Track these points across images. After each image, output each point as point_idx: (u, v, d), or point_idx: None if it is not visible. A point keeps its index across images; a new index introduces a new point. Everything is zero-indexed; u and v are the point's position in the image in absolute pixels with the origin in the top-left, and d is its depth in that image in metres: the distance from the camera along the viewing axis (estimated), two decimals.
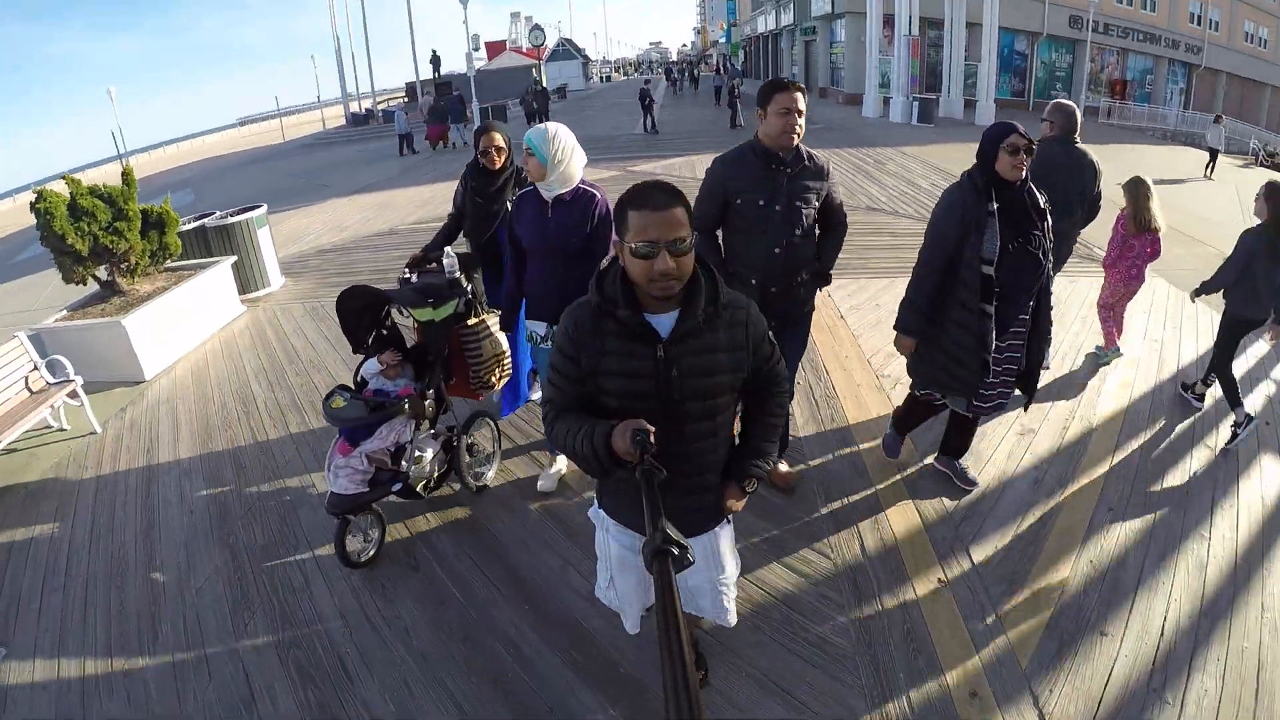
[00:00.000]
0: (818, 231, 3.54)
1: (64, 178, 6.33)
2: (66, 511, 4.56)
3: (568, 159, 3.47)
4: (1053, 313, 3.54)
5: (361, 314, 3.87)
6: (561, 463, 4.35)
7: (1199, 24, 32.76)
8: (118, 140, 25.86)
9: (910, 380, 3.86)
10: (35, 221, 6.24)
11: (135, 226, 6.42)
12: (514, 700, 2.89)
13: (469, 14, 31.21)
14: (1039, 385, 3.68)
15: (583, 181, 3.61)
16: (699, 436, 1.99)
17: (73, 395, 5.54)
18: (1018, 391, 3.64)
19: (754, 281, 3.42)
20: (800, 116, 3.22)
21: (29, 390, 5.42)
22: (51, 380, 5.55)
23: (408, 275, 4.22)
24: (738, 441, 2.22)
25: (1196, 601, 3.20)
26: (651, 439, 1.66)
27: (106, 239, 6.22)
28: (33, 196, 6.27)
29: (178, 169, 30.36)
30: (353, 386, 3.86)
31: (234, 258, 7.88)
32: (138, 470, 4.97)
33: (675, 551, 1.29)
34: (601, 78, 77.57)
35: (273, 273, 8.69)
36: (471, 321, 4.13)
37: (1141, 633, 3.04)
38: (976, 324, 3.27)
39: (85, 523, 4.42)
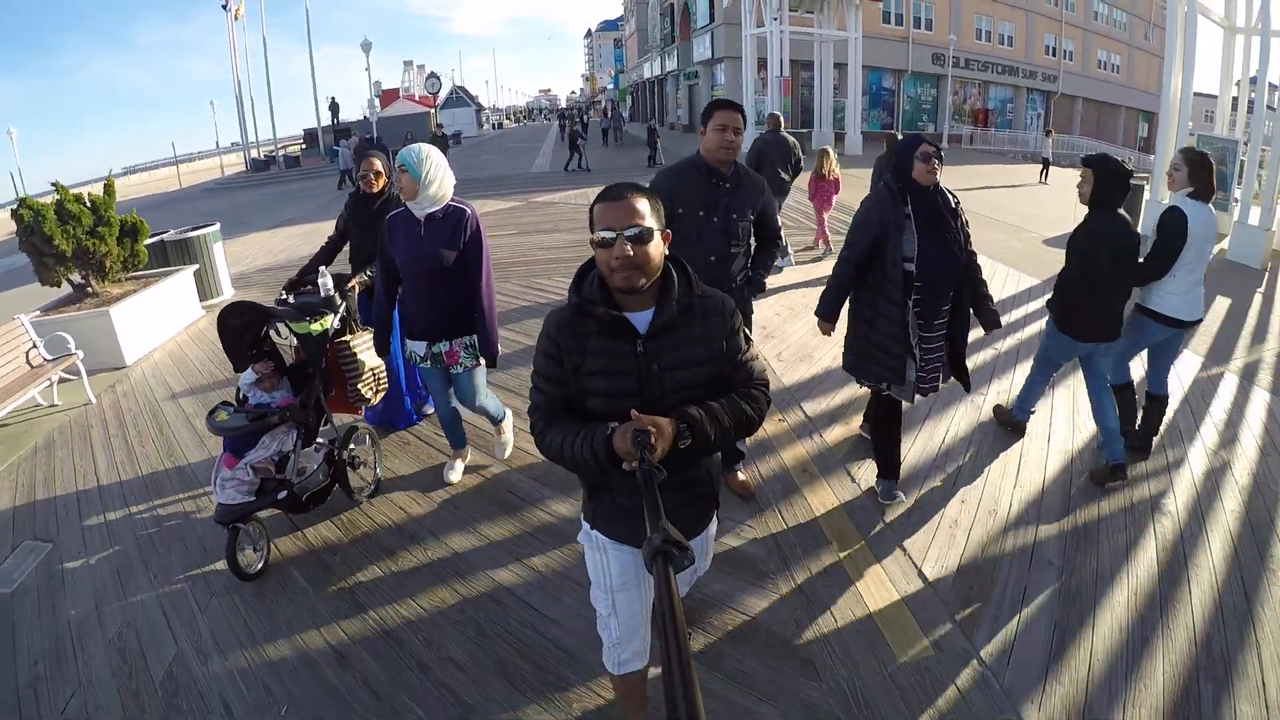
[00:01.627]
0: (753, 243, 3.88)
1: (54, 184, 7.14)
2: (84, 450, 5.43)
3: (439, 177, 3.72)
4: (982, 286, 3.74)
5: (243, 332, 3.99)
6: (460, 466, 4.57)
7: (1054, 55, 37.00)
8: (16, 182, 25.46)
9: (849, 369, 4.02)
10: (16, 228, 7.04)
11: (114, 232, 7.28)
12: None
13: (362, 61, 32.14)
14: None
15: (453, 199, 3.84)
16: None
17: (70, 369, 6.36)
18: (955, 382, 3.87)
19: None
20: (738, 135, 3.53)
21: (29, 365, 6.20)
22: (49, 357, 6.34)
23: (285, 297, 4.44)
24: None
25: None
26: (652, 439, 1.67)
27: (88, 241, 7.05)
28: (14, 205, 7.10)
29: None
30: (235, 402, 4.02)
31: (196, 266, 8.75)
32: (145, 416, 5.93)
33: (676, 551, 1.29)
34: (494, 125, 78.76)
35: (225, 283, 9.58)
36: (346, 337, 4.30)
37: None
38: (900, 316, 3.51)
39: (106, 455, 5.32)
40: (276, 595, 3.60)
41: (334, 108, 41.59)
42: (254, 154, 37.78)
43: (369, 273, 4.48)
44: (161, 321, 7.98)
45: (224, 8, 34.83)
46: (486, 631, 3.24)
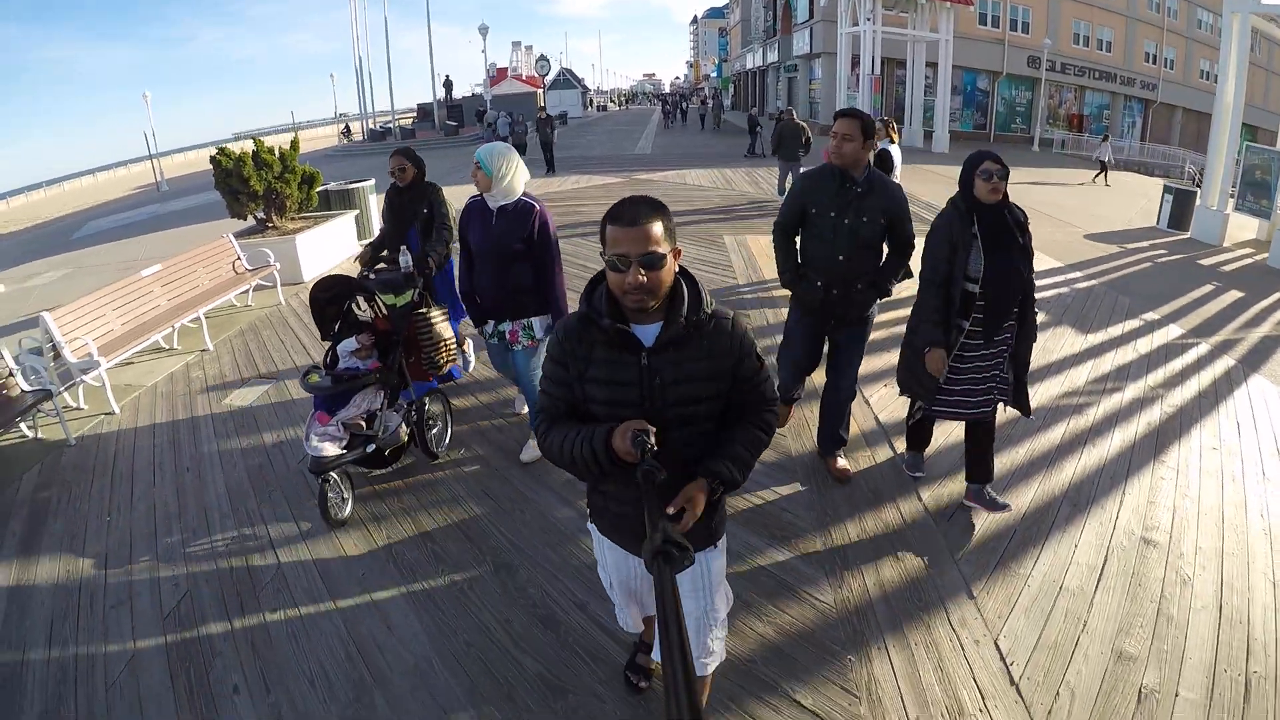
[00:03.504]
0: (885, 249, 4.01)
1: (253, 138, 9.28)
2: (284, 330, 7.45)
3: (510, 174, 4.04)
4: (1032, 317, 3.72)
5: (328, 305, 4.41)
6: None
7: (1154, 63, 35.96)
8: (149, 140, 28.44)
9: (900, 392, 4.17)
10: (214, 171, 9.16)
11: (296, 179, 9.37)
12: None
13: (476, 41, 34.25)
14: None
15: (525, 195, 4.14)
16: (682, 445, 1.97)
17: (267, 278, 8.41)
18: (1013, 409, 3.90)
19: (819, 283, 3.94)
20: (847, 141, 3.69)
21: (235, 272, 8.27)
22: (250, 267, 8.41)
23: (365, 273, 4.90)
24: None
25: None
26: (651, 440, 1.68)
27: (277, 184, 9.12)
28: (212, 152, 9.28)
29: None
30: (323, 366, 4.33)
31: (356, 211, 10.91)
32: None
33: (675, 552, 1.30)
34: (599, 107, 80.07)
35: (377, 227, 11.60)
36: (424, 310, 4.67)
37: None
38: (952, 337, 3.60)
39: (299, 333, 7.27)
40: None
41: (448, 85, 44.32)
42: (370, 124, 40.69)
43: (438, 250, 4.97)
44: (330, 252, 10.17)
45: None
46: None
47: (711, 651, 2.28)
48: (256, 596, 3.62)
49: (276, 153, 9.16)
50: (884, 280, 3.99)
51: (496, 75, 49.10)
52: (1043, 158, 27.90)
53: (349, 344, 4.37)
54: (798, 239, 4.07)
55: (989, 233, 3.43)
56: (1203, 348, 6.77)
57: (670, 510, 1.80)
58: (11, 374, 5.33)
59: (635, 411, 1.89)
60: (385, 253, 5.33)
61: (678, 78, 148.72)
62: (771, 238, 4.15)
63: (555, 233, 4.20)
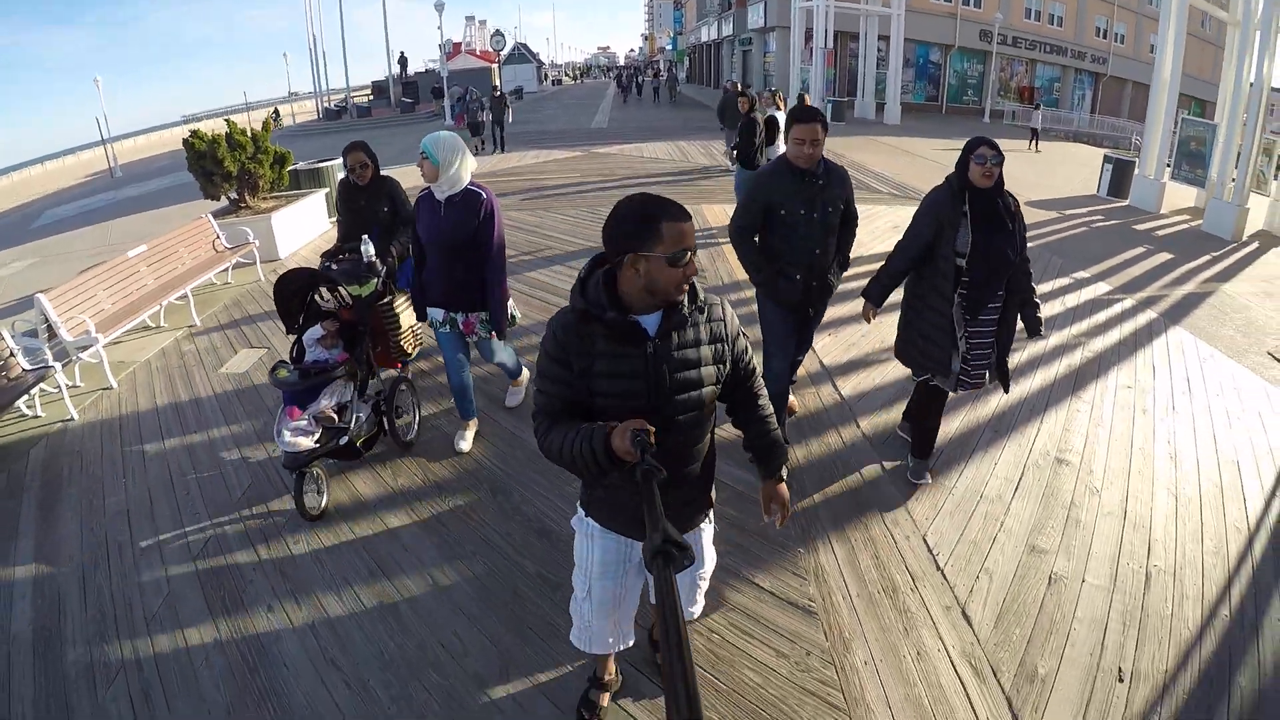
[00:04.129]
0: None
1: (228, 120, 9.49)
2: (267, 304, 7.70)
3: (457, 164, 3.97)
4: (1031, 293, 3.89)
5: (293, 297, 4.38)
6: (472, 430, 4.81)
7: (1105, 37, 36.78)
8: (101, 126, 27.86)
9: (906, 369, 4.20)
10: (187, 154, 9.36)
11: (269, 159, 9.61)
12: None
13: (426, 16, 33.92)
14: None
15: (471, 183, 4.09)
16: (686, 430, 2.06)
17: (246, 256, 8.69)
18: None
19: (798, 277, 3.99)
20: (816, 146, 3.74)
21: (215, 250, 8.54)
22: (229, 245, 8.68)
23: (327, 265, 4.78)
24: (745, 442, 2.35)
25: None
26: (651, 439, 1.70)
27: (250, 165, 9.36)
28: (166, 135, 9.66)
29: (167, 153, 32.64)
30: (289, 360, 4.29)
31: (326, 189, 11.15)
32: None
33: (675, 551, 1.31)
34: (553, 81, 79.47)
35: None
36: (389, 298, 4.70)
37: None
38: (947, 309, 3.67)
39: None
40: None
41: (403, 61, 44.02)
42: (325, 103, 40.19)
43: (402, 241, 4.85)
44: (303, 229, 10.44)
45: None
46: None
47: (696, 602, 2.60)
48: (280, 531, 4.02)
49: (249, 134, 9.37)
50: (845, 256, 4.20)
51: (452, 50, 48.64)
52: (993, 129, 28.60)
53: (315, 332, 4.35)
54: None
55: (979, 213, 3.55)
56: (1128, 303, 7.38)
57: (779, 525, 2.23)
58: (12, 354, 5.61)
59: (643, 402, 1.95)
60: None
61: (632, 50, 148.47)
62: (732, 242, 4.15)
63: (501, 223, 4.18)
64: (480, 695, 2.95)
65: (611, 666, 2.79)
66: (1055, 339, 6.36)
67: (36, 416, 5.75)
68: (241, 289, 8.53)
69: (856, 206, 4.17)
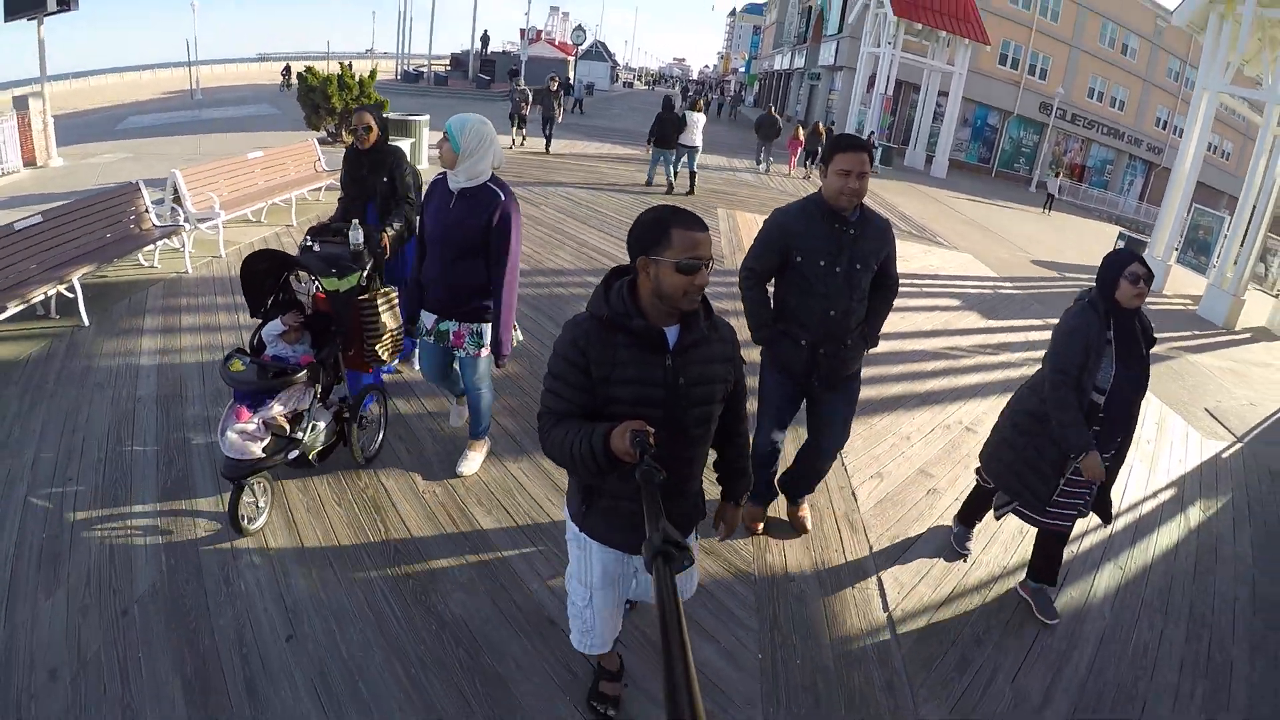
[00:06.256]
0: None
1: (341, 65, 10.91)
2: None
3: (479, 153, 3.49)
4: None
5: (265, 277, 3.82)
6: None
7: (1164, 128, 37.10)
8: (191, 47, 29.21)
9: (980, 467, 3.85)
10: (298, 86, 10.76)
11: (370, 102, 10.95)
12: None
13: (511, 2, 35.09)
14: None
15: (493, 180, 3.59)
16: (694, 441, 2.13)
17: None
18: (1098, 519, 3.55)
19: (804, 342, 3.32)
20: (863, 180, 3.10)
21: (314, 170, 9.91)
22: (327, 168, 10.03)
23: (309, 244, 4.12)
24: (715, 462, 2.42)
25: None
26: (650, 439, 1.71)
27: (353, 105, 10.75)
28: (302, 69, 10.85)
29: (247, 85, 34.23)
30: (248, 350, 3.73)
31: (412, 139, 12.34)
32: None
33: (675, 551, 1.31)
34: (625, 83, 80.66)
35: (425, 158, 13.09)
36: (371, 294, 4.03)
37: None
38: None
39: None
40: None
41: (485, 39, 45.65)
42: (405, 66, 41.71)
43: (395, 226, 4.50)
44: None
45: None
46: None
47: (690, 584, 2.71)
48: None
49: (358, 78, 10.77)
50: (873, 330, 3.49)
51: (534, 37, 50.06)
52: (1036, 198, 29.47)
53: (274, 326, 3.79)
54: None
55: (1124, 340, 3.17)
56: None
57: (720, 539, 2.38)
58: (147, 210, 6.97)
59: (660, 412, 1.97)
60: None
61: (707, 66, 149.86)
62: (739, 285, 3.46)
63: (518, 232, 3.64)
64: None
65: (615, 657, 2.78)
66: (1004, 356, 7.47)
67: (153, 267, 7.04)
68: (331, 207, 9.82)
69: (898, 267, 3.51)
